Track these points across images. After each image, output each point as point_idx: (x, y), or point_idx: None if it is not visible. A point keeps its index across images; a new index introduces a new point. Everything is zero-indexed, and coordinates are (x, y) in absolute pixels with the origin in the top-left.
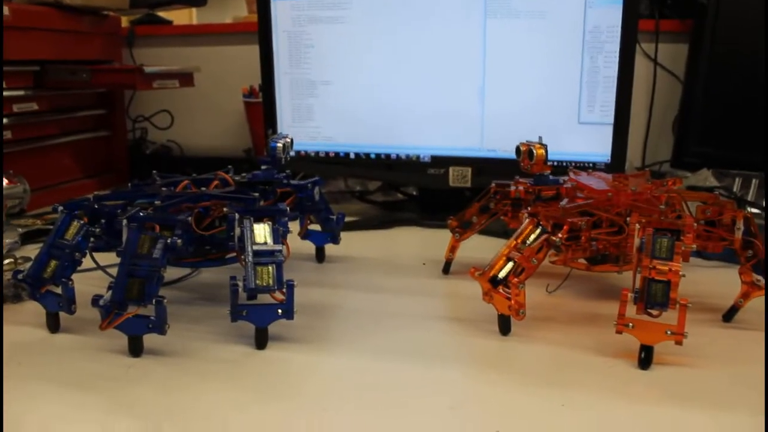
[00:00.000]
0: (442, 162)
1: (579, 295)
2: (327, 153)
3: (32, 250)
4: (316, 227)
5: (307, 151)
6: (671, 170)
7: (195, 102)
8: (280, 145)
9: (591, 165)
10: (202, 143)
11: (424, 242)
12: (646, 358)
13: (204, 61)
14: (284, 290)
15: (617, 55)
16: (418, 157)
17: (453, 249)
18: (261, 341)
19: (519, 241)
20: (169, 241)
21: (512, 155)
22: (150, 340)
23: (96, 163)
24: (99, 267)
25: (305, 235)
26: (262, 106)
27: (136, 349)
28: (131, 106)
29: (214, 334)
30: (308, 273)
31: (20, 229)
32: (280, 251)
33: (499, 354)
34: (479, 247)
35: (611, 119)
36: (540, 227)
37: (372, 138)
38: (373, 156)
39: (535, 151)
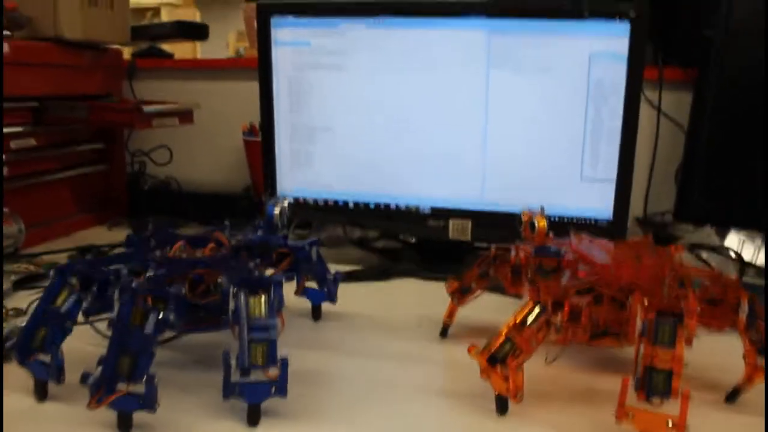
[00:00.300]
0: (442, 214)
1: (577, 366)
2: (326, 201)
3: (24, 297)
4: (313, 284)
5: (305, 198)
6: (674, 223)
7: (194, 138)
8: (277, 211)
9: (592, 222)
10: (201, 179)
11: (422, 297)
12: None
13: (205, 96)
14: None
15: (621, 107)
16: (417, 208)
17: (451, 314)
18: (253, 419)
19: (518, 320)
20: (161, 315)
21: (512, 209)
22: (139, 414)
23: (94, 198)
24: (90, 323)
25: (302, 292)
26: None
27: (124, 425)
28: (130, 140)
29: (205, 407)
30: (304, 332)
31: (13, 277)
32: (274, 327)
33: None
34: (477, 306)
35: (614, 176)
36: (539, 307)
37: (371, 186)
38: (372, 206)
39: (536, 223)
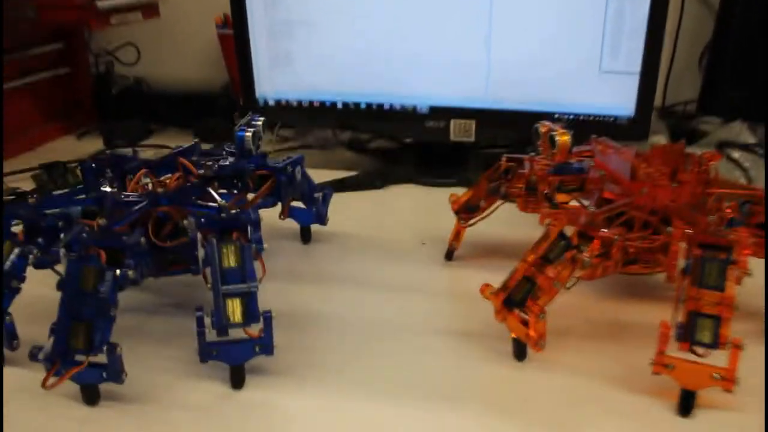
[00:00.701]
0: (442, 113)
1: (601, 292)
2: (311, 103)
3: None
4: (299, 203)
5: (288, 100)
6: (698, 116)
7: (163, 33)
8: (248, 134)
9: (611, 119)
10: (173, 78)
11: (423, 207)
12: (686, 405)
13: None
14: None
15: None
16: (414, 107)
17: (457, 236)
18: (237, 380)
19: (539, 254)
20: (118, 272)
21: (521, 106)
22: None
23: (58, 105)
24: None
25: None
26: None
27: (90, 398)
28: (92, 39)
29: (184, 365)
30: (291, 260)
31: None
32: (252, 277)
33: (510, 390)
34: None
35: (638, 68)
36: (564, 240)
37: (361, 85)
38: (363, 106)
39: (557, 138)
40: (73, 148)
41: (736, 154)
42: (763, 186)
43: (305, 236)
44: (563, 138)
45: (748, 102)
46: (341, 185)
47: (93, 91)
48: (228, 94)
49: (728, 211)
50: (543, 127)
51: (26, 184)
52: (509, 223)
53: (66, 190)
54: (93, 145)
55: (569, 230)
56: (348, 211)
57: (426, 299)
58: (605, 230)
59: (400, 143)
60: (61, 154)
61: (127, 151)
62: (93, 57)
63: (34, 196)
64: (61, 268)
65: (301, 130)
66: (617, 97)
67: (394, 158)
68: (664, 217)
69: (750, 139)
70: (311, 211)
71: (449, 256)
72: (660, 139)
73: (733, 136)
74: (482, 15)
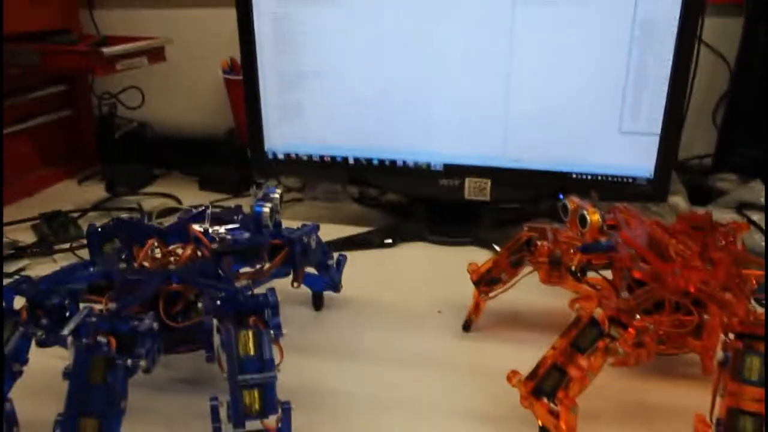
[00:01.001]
0: (457, 171)
1: (626, 370)
2: (321, 157)
3: None
4: (312, 269)
5: (298, 153)
6: (712, 175)
7: (168, 76)
8: (266, 210)
9: (629, 180)
10: (177, 122)
11: (435, 269)
12: None
13: (179, 26)
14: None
15: (672, 52)
16: (428, 165)
17: (477, 308)
18: None
19: (569, 341)
20: (130, 362)
21: (539, 166)
22: None
23: (60, 148)
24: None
25: None
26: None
27: None
28: (96, 82)
29: None
30: (303, 330)
31: None
32: (271, 366)
33: None
34: None
35: (658, 129)
36: (596, 328)
37: (373, 140)
38: (375, 162)
39: (588, 218)
40: (74, 193)
41: (755, 217)
42: None
43: (317, 303)
44: (594, 218)
45: (761, 159)
46: (350, 243)
47: (95, 135)
48: (232, 140)
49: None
50: (572, 203)
51: (26, 235)
52: (529, 290)
53: (69, 264)
54: (95, 191)
55: (598, 312)
56: (357, 271)
57: (444, 376)
58: (639, 317)
59: (412, 198)
60: (61, 200)
61: (131, 200)
62: (96, 100)
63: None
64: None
65: (310, 184)
66: (636, 158)
67: (405, 213)
68: (695, 298)
69: None
70: (324, 278)
71: (467, 327)
72: (679, 200)
73: (752, 196)
74: (501, 70)
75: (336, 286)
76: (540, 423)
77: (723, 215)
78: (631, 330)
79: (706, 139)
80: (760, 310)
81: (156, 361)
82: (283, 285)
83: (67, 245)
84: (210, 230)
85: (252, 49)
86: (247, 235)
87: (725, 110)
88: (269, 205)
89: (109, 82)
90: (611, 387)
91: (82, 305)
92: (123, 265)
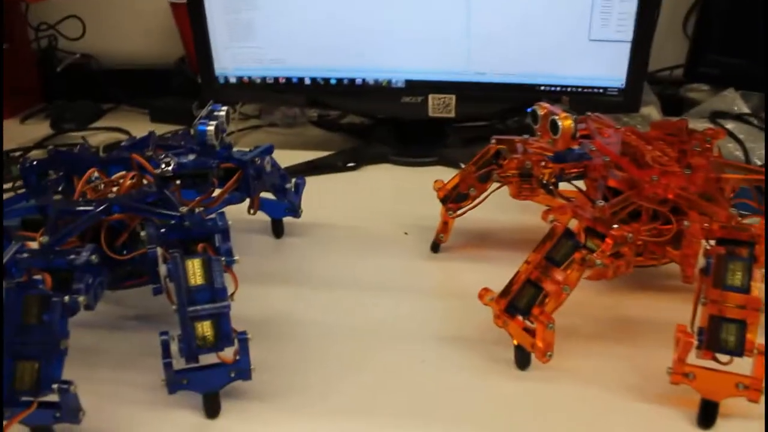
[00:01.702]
0: (420, 88)
1: (603, 284)
2: (276, 79)
3: None
4: (269, 194)
5: (251, 77)
6: (686, 84)
7: (110, 3)
8: (210, 128)
9: (600, 90)
10: (124, 53)
11: (401, 191)
12: (709, 416)
13: None
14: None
15: None
16: (389, 82)
17: (445, 227)
18: (211, 410)
19: (543, 255)
20: (67, 299)
21: (505, 78)
22: None
23: None
24: None
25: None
26: None
27: None
28: (30, 11)
29: (150, 393)
30: (263, 257)
31: None
32: (224, 295)
33: (516, 405)
34: None
35: (629, 36)
36: (571, 239)
37: (332, 60)
38: (333, 81)
39: (560, 123)
40: (17, 132)
41: (730, 125)
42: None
43: (277, 230)
44: (566, 123)
45: (739, 69)
46: (311, 167)
47: (36, 70)
48: (184, 70)
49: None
50: (542, 109)
51: None
52: (498, 207)
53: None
54: (39, 128)
55: (573, 225)
56: (320, 196)
57: (414, 300)
58: (616, 226)
59: (374, 119)
60: (3, 140)
61: (77, 136)
62: (33, 32)
63: None
64: None
65: (266, 107)
66: (607, 67)
67: (368, 135)
68: (673, 205)
69: (744, 108)
70: (283, 203)
71: (435, 248)
72: (651, 110)
73: (725, 105)
74: None
75: (296, 211)
76: (515, 342)
77: (697, 124)
78: (608, 240)
79: (677, 50)
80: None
81: (99, 297)
82: (240, 212)
83: (9, 185)
84: (155, 157)
85: None
86: (192, 157)
87: (696, 18)
88: (214, 122)
89: (46, 12)
90: (588, 302)
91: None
92: (58, 197)
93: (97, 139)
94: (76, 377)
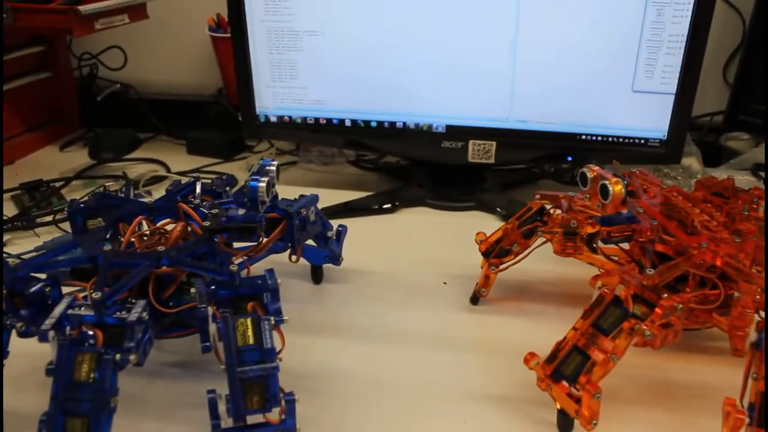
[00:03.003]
0: (460, 133)
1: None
2: (317, 119)
3: None
4: (310, 241)
5: (292, 116)
6: (726, 132)
7: (151, 34)
8: (262, 185)
9: (642, 141)
10: (163, 83)
11: (439, 236)
12: None
13: None
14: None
15: (691, 9)
16: (430, 126)
17: (486, 281)
18: None
19: (590, 323)
20: (118, 357)
21: (546, 127)
22: None
23: (39, 112)
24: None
25: None
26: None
27: None
28: (75, 41)
29: None
30: (303, 304)
31: None
32: (273, 356)
33: None
34: None
35: (673, 88)
36: (620, 308)
37: (372, 102)
38: (374, 124)
39: (611, 188)
40: (56, 160)
41: None
42: None
43: (316, 276)
44: (617, 188)
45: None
46: (347, 209)
47: (77, 98)
48: (221, 101)
49: None
50: (591, 172)
51: (6, 207)
52: (538, 258)
53: (48, 249)
54: (78, 157)
55: (620, 290)
56: (357, 239)
57: (453, 355)
58: (666, 296)
59: (411, 160)
60: (43, 167)
61: (116, 167)
62: (76, 61)
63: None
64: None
65: (304, 147)
66: (649, 118)
67: (405, 177)
68: (721, 272)
69: None
70: (324, 250)
71: (475, 300)
72: (692, 161)
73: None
74: (508, 21)
75: (336, 259)
76: (558, 406)
77: (739, 177)
78: (658, 310)
79: (717, 97)
80: None
81: (147, 352)
82: (280, 258)
83: (50, 217)
84: (201, 205)
85: (240, 4)
86: (242, 211)
87: (738, 65)
88: (265, 179)
89: (89, 42)
90: (629, 362)
91: (64, 291)
92: (108, 246)
93: (136, 170)
94: (118, 426)
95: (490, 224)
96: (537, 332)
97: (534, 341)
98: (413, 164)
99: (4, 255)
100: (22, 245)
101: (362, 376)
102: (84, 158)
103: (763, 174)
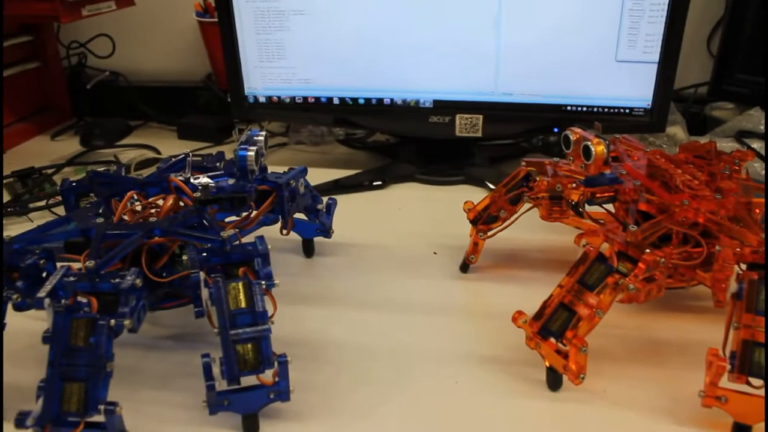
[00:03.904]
0: (447, 108)
1: (632, 305)
2: (305, 98)
3: None
4: (301, 215)
5: (281, 96)
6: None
7: (138, 21)
8: (251, 153)
9: (626, 111)
10: (152, 70)
11: (429, 210)
12: None
13: None
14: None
15: None
16: (417, 102)
17: (475, 248)
18: (250, 429)
19: (576, 279)
20: (113, 322)
21: (532, 99)
22: None
23: (30, 103)
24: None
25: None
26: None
27: None
28: (62, 30)
29: (189, 412)
30: (296, 276)
31: None
32: (264, 318)
33: (549, 426)
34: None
35: (656, 57)
36: (604, 264)
37: (360, 80)
38: (362, 101)
39: (593, 149)
40: (47, 149)
41: (755, 144)
42: None
43: (308, 249)
44: (599, 149)
45: (760, 86)
46: (338, 186)
47: (67, 87)
48: (211, 86)
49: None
50: (574, 134)
51: None
52: (526, 227)
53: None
54: (69, 145)
55: (605, 247)
56: (348, 215)
57: (445, 320)
58: (648, 251)
59: (400, 137)
60: (34, 156)
61: (107, 153)
62: (64, 50)
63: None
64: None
65: (293, 125)
66: (633, 88)
67: (394, 154)
68: (703, 229)
69: None
70: (315, 224)
71: (465, 268)
72: (677, 130)
73: (751, 124)
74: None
75: (327, 231)
76: (547, 363)
77: (723, 144)
78: (641, 264)
79: (702, 68)
80: None
81: (142, 319)
82: (271, 232)
83: (42, 203)
84: (191, 179)
85: None
86: (231, 181)
87: (721, 37)
88: (254, 148)
89: (77, 31)
90: (617, 323)
91: (59, 265)
92: (101, 220)
93: (127, 156)
94: (117, 397)
95: (479, 197)
96: (526, 297)
97: (523, 305)
98: (402, 141)
99: None
100: (16, 230)
101: (354, 343)
102: (75, 146)
103: (746, 141)
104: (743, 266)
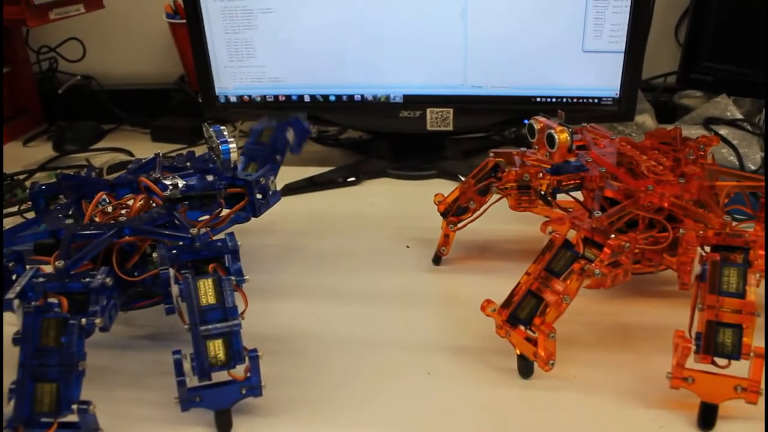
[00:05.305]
0: (417, 102)
1: (600, 291)
2: (276, 97)
3: None
4: None
5: (252, 95)
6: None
7: (109, 24)
8: (233, 145)
9: (595, 100)
10: (124, 74)
11: (401, 204)
12: (708, 418)
13: None
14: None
15: None
16: (387, 97)
17: (446, 240)
18: (223, 426)
19: (543, 266)
20: (84, 321)
21: (501, 91)
22: None
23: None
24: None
25: None
26: None
27: None
28: (31, 34)
29: (163, 411)
30: (269, 273)
31: None
32: (234, 314)
33: (521, 414)
34: None
35: (622, 46)
36: (570, 250)
37: (330, 77)
38: (333, 98)
39: (556, 137)
40: (20, 155)
41: (723, 131)
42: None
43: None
44: (563, 136)
45: (732, 75)
46: (312, 184)
47: (37, 92)
48: (183, 88)
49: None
50: (538, 123)
51: None
52: (498, 218)
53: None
54: (42, 150)
55: (572, 235)
56: (322, 211)
57: (417, 313)
58: (613, 236)
59: (372, 133)
60: (6, 162)
61: (80, 157)
62: (34, 55)
63: None
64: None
65: None
66: (601, 77)
67: (366, 150)
68: (669, 213)
69: (736, 114)
70: None
71: (437, 260)
72: (646, 119)
73: (718, 111)
74: None
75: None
76: (518, 351)
77: (691, 131)
78: (606, 249)
79: (670, 57)
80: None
81: (113, 318)
82: (243, 228)
83: (15, 209)
84: (162, 179)
85: None
86: (210, 178)
87: (688, 26)
88: (234, 140)
89: (47, 35)
90: (587, 310)
91: (28, 267)
92: (70, 221)
93: (101, 159)
94: (91, 397)
95: (451, 191)
96: (498, 287)
97: (494, 295)
98: (375, 137)
99: None
100: None
101: (329, 337)
102: (48, 152)
103: (714, 127)
104: (707, 249)
